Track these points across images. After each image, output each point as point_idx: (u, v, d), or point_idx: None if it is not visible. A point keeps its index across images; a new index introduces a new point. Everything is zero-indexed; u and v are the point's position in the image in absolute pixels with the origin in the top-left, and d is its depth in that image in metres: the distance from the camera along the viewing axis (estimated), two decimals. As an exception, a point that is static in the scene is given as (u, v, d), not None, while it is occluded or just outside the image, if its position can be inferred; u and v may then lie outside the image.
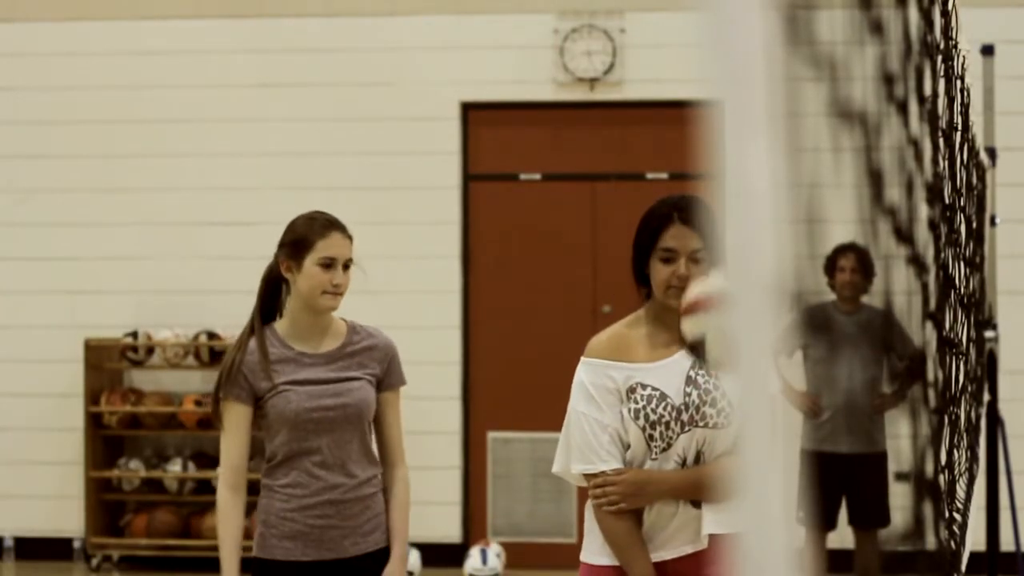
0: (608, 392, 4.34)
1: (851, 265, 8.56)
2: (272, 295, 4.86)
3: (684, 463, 4.32)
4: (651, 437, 4.31)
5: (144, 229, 11.21)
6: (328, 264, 4.73)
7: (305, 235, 4.77)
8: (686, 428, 4.31)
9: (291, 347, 4.77)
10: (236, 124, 11.17)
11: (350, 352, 4.80)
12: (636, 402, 4.31)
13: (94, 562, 10.94)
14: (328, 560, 4.73)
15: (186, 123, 11.21)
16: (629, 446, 4.35)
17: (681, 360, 4.37)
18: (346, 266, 4.76)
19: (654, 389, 4.32)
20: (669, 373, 4.35)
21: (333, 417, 4.72)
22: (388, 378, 4.83)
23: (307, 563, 4.72)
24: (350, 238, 4.80)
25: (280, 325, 4.81)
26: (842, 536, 8.79)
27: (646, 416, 4.30)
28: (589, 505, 4.51)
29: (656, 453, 4.31)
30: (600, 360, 4.38)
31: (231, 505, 4.70)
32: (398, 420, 4.88)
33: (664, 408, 4.31)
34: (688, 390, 4.33)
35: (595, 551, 4.44)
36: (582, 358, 4.43)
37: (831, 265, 8.61)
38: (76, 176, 11.24)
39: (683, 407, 4.32)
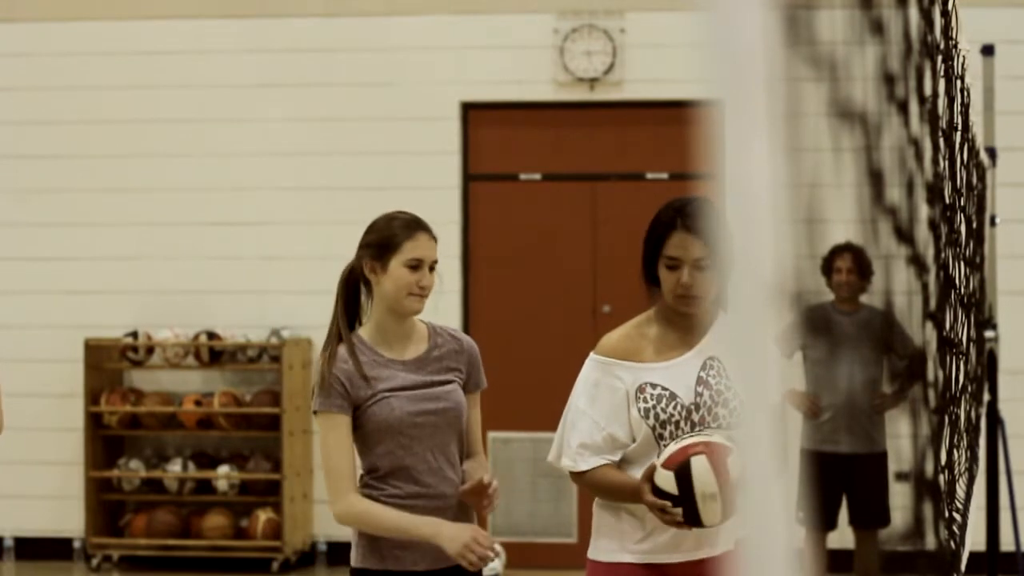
0: (613, 392, 4.35)
1: (847, 265, 8.57)
2: (352, 299, 4.72)
3: None
4: (661, 436, 4.30)
5: (144, 229, 11.21)
6: (415, 266, 4.62)
7: (391, 236, 4.63)
8: (696, 428, 4.30)
9: (380, 354, 4.64)
10: (236, 124, 11.17)
11: (436, 356, 4.70)
12: (646, 401, 4.32)
13: (94, 562, 10.94)
14: (438, 569, 4.57)
15: (186, 123, 11.21)
16: (631, 444, 4.35)
17: (691, 360, 4.38)
18: (431, 267, 4.66)
19: (664, 389, 4.33)
20: (679, 373, 4.36)
21: (435, 422, 4.62)
22: (473, 379, 4.78)
23: (419, 572, 4.57)
24: (435, 239, 4.70)
25: (365, 331, 4.68)
26: (842, 536, 8.79)
27: (656, 415, 4.30)
28: (597, 504, 4.50)
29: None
30: (610, 359, 4.39)
31: (364, 499, 4.54)
32: (479, 420, 4.83)
33: (674, 408, 4.31)
34: (699, 390, 4.33)
35: (601, 548, 4.44)
36: (592, 354, 4.45)
37: (828, 266, 8.62)
38: (76, 176, 11.24)
39: (693, 407, 4.32)
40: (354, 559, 4.63)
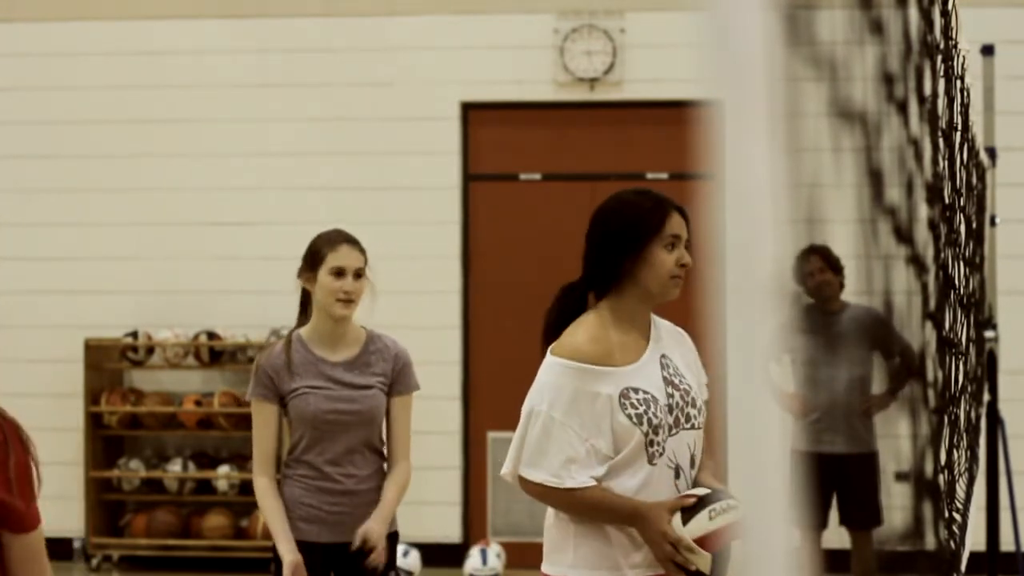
0: (593, 400, 4.03)
1: (818, 266, 8.58)
2: (308, 305, 5.36)
3: (678, 470, 4.09)
4: (651, 443, 4.02)
5: (144, 229, 11.21)
6: (338, 273, 5.18)
7: (318, 249, 5.24)
8: (672, 431, 4.07)
9: (313, 352, 5.24)
10: (236, 124, 11.17)
11: (365, 360, 5.26)
12: (634, 407, 4.02)
13: (94, 562, 10.94)
14: (342, 543, 5.20)
15: (186, 123, 11.21)
16: (612, 456, 4.05)
17: (651, 359, 4.14)
18: (358, 275, 5.23)
19: (645, 392, 4.06)
20: (648, 374, 4.10)
21: (347, 420, 5.20)
22: (398, 385, 5.27)
23: (324, 544, 5.21)
24: (361, 251, 5.28)
25: (305, 331, 5.29)
26: (841, 536, 8.79)
27: (649, 420, 4.02)
28: (553, 518, 4.39)
29: (655, 459, 4.06)
30: (587, 365, 4.09)
31: (270, 487, 5.23)
32: (406, 423, 5.31)
33: (657, 410, 4.04)
34: (669, 391, 4.10)
35: (554, 561, 4.34)
36: (560, 360, 4.19)
37: (799, 273, 8.59)
38: (76, 176, 11.24)
39: (668, 408, 4.07)
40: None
